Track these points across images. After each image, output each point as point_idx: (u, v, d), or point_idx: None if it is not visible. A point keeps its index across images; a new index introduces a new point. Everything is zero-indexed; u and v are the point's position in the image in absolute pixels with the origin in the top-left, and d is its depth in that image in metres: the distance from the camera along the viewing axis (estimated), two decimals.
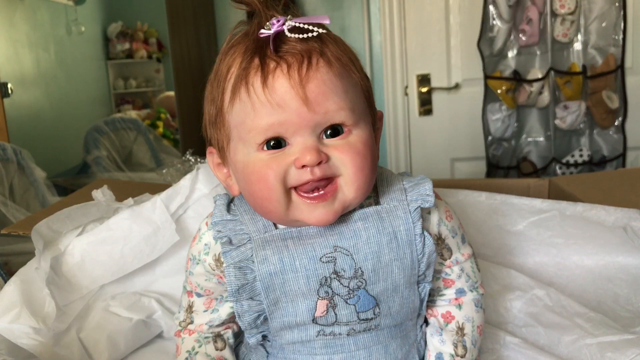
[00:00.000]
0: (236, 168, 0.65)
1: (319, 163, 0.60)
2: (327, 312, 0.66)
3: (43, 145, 3.12)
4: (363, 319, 0.67)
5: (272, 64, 0.59)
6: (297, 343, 0.69)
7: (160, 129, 4.18)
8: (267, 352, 0.73)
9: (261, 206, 0.64)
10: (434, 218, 0.71)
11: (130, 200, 0.97)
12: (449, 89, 2.44)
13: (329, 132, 0.61)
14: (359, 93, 0.64)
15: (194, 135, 3.50)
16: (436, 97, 2.46)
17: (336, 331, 0.67)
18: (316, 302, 0.65)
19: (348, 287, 0.65)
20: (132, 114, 4.26)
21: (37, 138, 3.11)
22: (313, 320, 0.66)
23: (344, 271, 0.64)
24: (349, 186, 0.62)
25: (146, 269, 0.97)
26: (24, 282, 0.86)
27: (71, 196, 1.40)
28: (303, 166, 0.60)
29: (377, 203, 0.68)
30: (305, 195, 0.61)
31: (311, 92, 0.59)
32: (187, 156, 1.69)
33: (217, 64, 0.65)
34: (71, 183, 2.99)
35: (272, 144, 0.61)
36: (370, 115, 0.67)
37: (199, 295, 0.76)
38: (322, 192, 0.61)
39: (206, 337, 0.76)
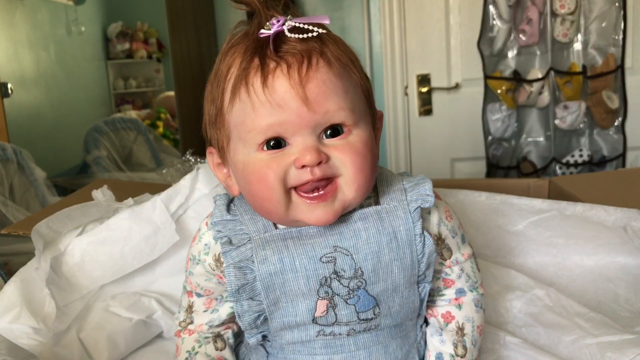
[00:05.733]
0: (236, 168, 0.65)
1: (319, 163, 0.60)
2: (327, 312, 0.66)
3: (43, 145, 3.11)
4: (363, 319, 0.67)
5: (272, 64, 0.59)
6: (297, 343, 0.69)
7: (160, 129, 4.18)
8: (267, 352, 0.73)
9: (261, 206, 0.64)
10: (434, 218, 0.71)
11: (130, 200, 0.97)
12: (449, 89, 2.44)
13: (329, 132, 0.61)
14: (359, 93, 0.64)
15: (194, 135, 3.50)
16: (436, 97, 2.46)
17: (336, 331, 0.67)
18: (316, 302, 0.65)
19: (348, 287, 0.65)
20: (132, 114, 4.26)
21: (37, 138, 3.11)
22: (313, 320, 0.66)
23: (344, 271, 0.64)
24: (349, 186, 0.62)
25: (146, 269, 0.97)
26: (24, 282, 0.86)
27: (71, 196, 1.40)
28: (303, 166, 0.60)
29: (377, 203, 0.68)
30: (305, 195, 0.61)
31: (311, 92, 0.58)
32: (187, 156, 1.69)
33: (217, 64, 0.65)
34: (71, 183, 2.99)
35: (272, 144, 0.61)
36: (370, 116, 0.67)
37: (199, 295, 0.76)
38: (322, 192, 0.61)
39: (206, 337, 0.76)
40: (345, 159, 0.61)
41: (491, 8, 2.30)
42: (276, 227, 0.67)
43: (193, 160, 1.65)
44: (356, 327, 0.67)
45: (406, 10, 2.41)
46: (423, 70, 2.44)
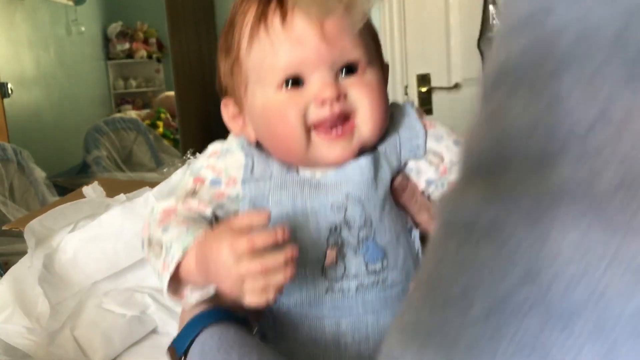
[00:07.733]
0: (254, 113, 0.66)
1: (338, 98, 0.62)
2: (336, 262, 0.66)
3: (43, 145, 3.12)
4: (371, 271, 0.67)
5: (290, 2, 0.61)
6: (305, 304, 0.68)
7: (160, 129, 4.18)
8: (274, 316, 0.71)
9: (282, 145, 0.65)
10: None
11: (122, 197, 0.97)
12: (449, 88, 2.44)
13: (344, 71, 0.63)
14: (369, 37, 0.66)
15: (194, 135, 3.51)
16: (436, 97, 2.45)
17: (345, 286, 0.67)
18: (325, 251, 0.65)
19: (357, 236, 0.65)
20: (132, 114, 4.26)
21: (37, 138, 3.12)
22: (322, 271, 0.66)
23: (354, 220, 0.65)
24: (365, 124, 0.64)
25: (139, 264, 0.97)
26: (16, 281, 0.86)
27: (69, 196, 1.40)
28: (322, 102, 0.61)
29: None
30: (324, 134, 0.63)
31: (329, 29, 0.61)
32: (187, 156, 1.69)
33: (231, 15, 0.67)
34: (71, 183, 2.99)
35: (291, 82, 0.62)
36: (379, 61, 0.69)
37: (215, 183, 0.67)
38: (339, 131, 0.63)
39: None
40: (362, 96, 0.63)
41: (491, 8, 2.29)
42: (297, 173, 0.67)
43: (193, 159, 1.65)
44: (364, 281, 0.67)
45: (406, 10, 2.41)
46: (423, 70, 2.44)
